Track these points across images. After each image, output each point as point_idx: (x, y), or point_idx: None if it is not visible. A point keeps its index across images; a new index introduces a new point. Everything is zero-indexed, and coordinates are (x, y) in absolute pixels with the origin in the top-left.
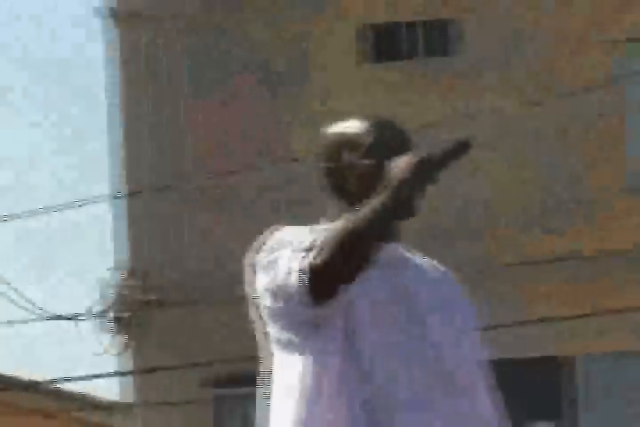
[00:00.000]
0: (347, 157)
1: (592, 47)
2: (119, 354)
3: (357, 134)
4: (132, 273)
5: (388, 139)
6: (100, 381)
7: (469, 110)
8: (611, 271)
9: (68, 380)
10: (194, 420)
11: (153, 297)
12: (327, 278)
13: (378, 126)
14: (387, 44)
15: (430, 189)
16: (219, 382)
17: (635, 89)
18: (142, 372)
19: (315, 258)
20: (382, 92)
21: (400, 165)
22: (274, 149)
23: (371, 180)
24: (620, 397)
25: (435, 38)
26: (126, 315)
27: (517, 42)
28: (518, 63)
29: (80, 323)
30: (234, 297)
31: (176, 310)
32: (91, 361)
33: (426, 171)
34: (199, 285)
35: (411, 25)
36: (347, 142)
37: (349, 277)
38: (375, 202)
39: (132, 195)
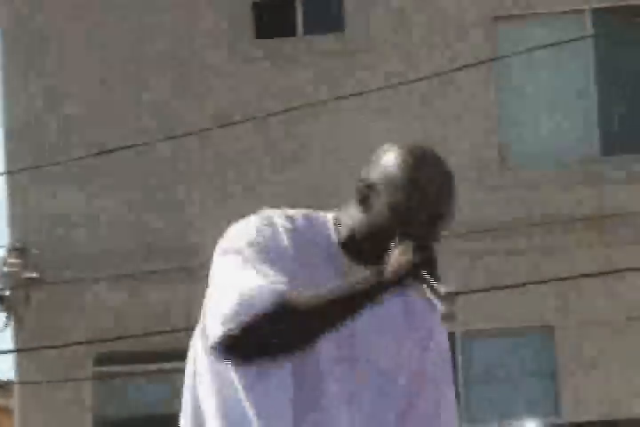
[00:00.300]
0: (379, 189)
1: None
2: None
3: (397, 176)
4: (13, 250)
5: (423, 190)
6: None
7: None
8: None
9: None
10: (74, 399)
11: (34, 275)
12: (234, 356)
13: (420, 173)
14: (269, 20)
15: None
16: (99, 361)
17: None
18: (21, 350)
19: (232, 330)
20: (263, 70)
21: (395, 265)
22: (145, 122)
23: (385, 227)
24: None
25: (318, 15)
26: (6, 292)
27: (401, 20)
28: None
29: None
30: (118, 276)
31: (58, 288)
32: None
33: (415, 275)
34: (82, 263)
35: (293, 2)
36: (385, 178)
37: (260, 360)
38: (353, 290)
39: (11, 171)
